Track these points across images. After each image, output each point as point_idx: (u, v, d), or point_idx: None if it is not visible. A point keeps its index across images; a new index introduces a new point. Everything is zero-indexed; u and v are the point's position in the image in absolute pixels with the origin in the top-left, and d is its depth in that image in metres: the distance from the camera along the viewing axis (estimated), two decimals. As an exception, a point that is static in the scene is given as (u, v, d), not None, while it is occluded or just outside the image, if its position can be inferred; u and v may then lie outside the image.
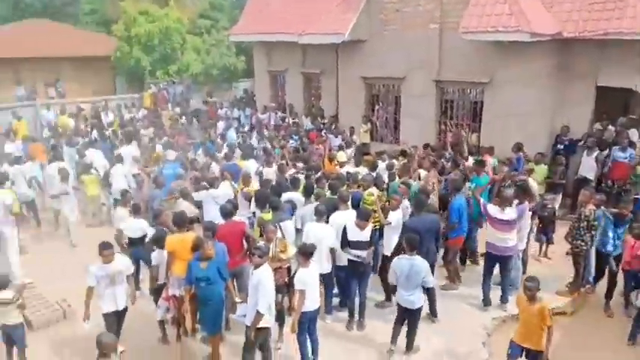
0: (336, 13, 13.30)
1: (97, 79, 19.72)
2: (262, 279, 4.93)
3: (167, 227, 6.63)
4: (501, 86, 10.89)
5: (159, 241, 6.17)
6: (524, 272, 7.18)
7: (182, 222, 6.16)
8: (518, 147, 9.71)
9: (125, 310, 5.79)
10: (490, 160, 9.27)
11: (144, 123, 14.96)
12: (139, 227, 7.17)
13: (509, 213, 6.48)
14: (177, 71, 18.53)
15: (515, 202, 6.70)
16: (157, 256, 6.20)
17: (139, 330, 6.33)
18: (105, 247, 5.48)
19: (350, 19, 12.77)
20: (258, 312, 4.92)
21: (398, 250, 6.15)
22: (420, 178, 8.52)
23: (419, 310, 5.69)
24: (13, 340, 5.62)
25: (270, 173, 9.12)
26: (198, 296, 5.58)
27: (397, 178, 8.26)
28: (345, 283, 6.47)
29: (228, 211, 6.54)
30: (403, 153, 10.19)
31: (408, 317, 5.74)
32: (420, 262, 5.49)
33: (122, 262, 5.69)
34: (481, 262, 7.36)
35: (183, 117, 15.76)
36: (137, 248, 7.10)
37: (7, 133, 12.67)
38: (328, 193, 7.34)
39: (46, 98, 17.93)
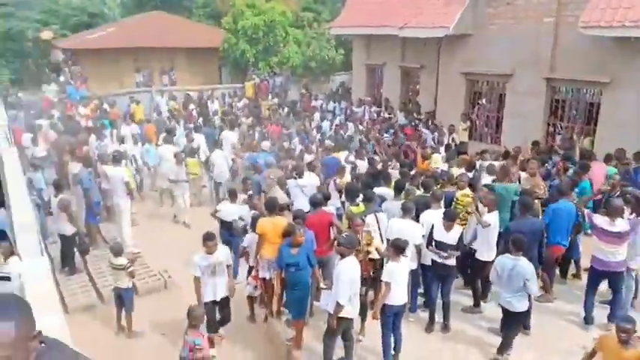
0: (440, 6, 12.88)
1: (206, 69, 21.01)
2: (342, 270, 4.96)
3: (259, 211, 6.96)
4: (623, 88, 9.82)
5: (253, 225, 6.48)
6: (635, 296, 6.45)
7: (273, 207, 6.41)
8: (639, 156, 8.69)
9: (225, 300, 5.86)
10: (605, 170, 8.38)
11: (244, 112, 15.72)
12: (233, 211, 7.54)
13: (621, 225, 5.84)
14: (278, 63, 19.15)
15: (628, 214, 6.04)
16: (250, 238, 6.52)
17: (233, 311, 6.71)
18: (209, 238, 5.48)
19: (455, 13, 12.29)
20: (337, 303, 4.96)
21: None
22: (519, 182, 7.97)
23: (521, 314, 5.37)
24: (123, 302, 6.25)
25: (362, 166, 9.13)
26: (287, 281, 5.75)
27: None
28: (428, 284, 6.32)
29: (317, 200, 6.66)
30: (506, 154, 9.59)
31: (505, 319, 5.48)
32: (524, 264, 5.17)
33: (223, 253, 5.73)
34: (584, 276, 6.74)
35: (281, 108, 16.28)
36: (228, 231, 7.51)
37: (124, 116, 13.96)
38: (420, 191, 7.18)
39: (160, 85, 19.51)
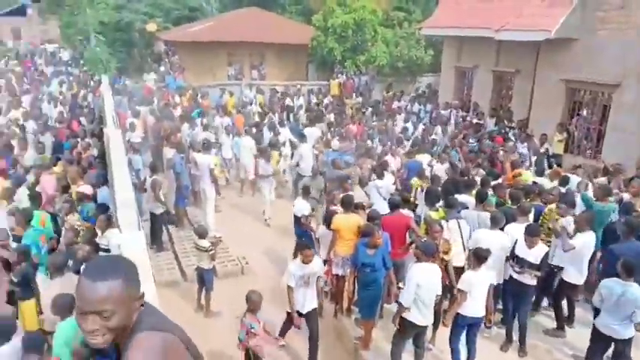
0: (542, 8, 12.12)
1: (293, 65, 21.49)
2: (414, 274, 4.88)
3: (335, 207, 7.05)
4: None
5: (327, 220, 6.56)
6: None
7: (349, 204, 6.49)
8: None
9: (313, 312, 5.58)
10: None
11: (328, 109, 15.90)
12: (304, 207, 7.69)
13: None
14: (365, 62, 19.10)
15: None
16: (322, 232, 6.60)
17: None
18: (306, 247, 5.32)
19: (559, 15, 11.50)
20: (400, 304, 4.91)
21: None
22: (621, 203, 7.30)
23: (628, 340, 4.97)
24: (204, 282, 6.61)
25: (441, 170, 8.90)
26: (361, 280, 5.75)
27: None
28: (505, 301, 6.02)
29: (396, 203, 6.61)
30: (605, 171, 8.84)
31: (611, 346, 5.10)
32: (636, 290, 4.76)
33: (318, 264, 5.50)
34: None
35: (365, 107, 16.25)
36: (299, 226, 7.67)
37: (217, 108, 14.68)
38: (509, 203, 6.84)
39: (250, 79, 20.27)
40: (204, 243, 6.51)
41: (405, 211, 6.78)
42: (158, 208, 8.30)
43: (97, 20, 20.42)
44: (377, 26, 19.38)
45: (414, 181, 8.34)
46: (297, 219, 7.79)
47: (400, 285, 5.68)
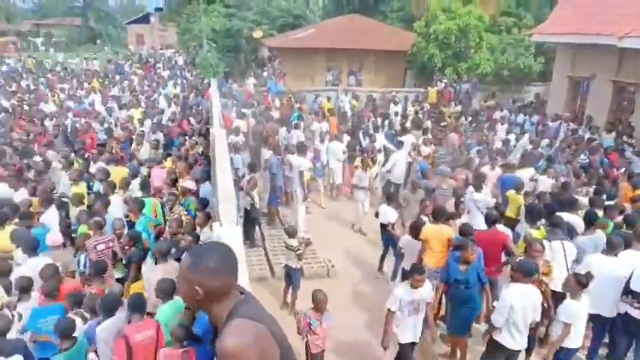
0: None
1: (391, 71, 21.34)
2: (509, 294, 4.62)
3: (427, 216, 6.91)
4: None
5: (414, 230, 6.42)
6: None
7: (440, 215, 6.36)
8: None
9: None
10: None
11: (424, 117, 15.55)
12: (390, 215, 7.62)
13: None
14: (467, 69, 18.38)
15: None
16: (406, 241, 6.53)
17: (378, 307, 6.79)
18: (418, 271, 4.89)
19: (698, 20, 10.17)
20: (491, 324, 4.67)
21: None
22: None
23: None
24: (291, 280, 6.80)
25: (547, 186, 8.27)
26: (455, 297, 5.52)
27: None
28: (614, 336, 5.41)
29: (493, 218, 6.30)
30: None
31: None
32: None
33: (428, 289, 5.07)
34: None
35: (464, 116, 15.64)
36: (386, 234, 7.66)
37: (315, 113, 15.01)
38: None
39: (346, 85, 20.49)
40: (293, 242, 6.69)
41: (502, 228, 6.43)
42: (248, 204, 8.69)
43: (209, 27, 21.99)
44: (482, 32, 18.57)
45: (510, 194, 7.85)
46: (383, 226, 7.73)
47: (493, 304, 5.39)
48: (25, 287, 4.89)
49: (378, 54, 20.79)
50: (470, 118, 15.15)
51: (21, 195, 7.43)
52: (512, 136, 12.34)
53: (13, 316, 4.72)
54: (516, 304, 4.58)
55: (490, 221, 6.23)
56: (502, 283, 5.64)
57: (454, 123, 14.64)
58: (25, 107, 15.57)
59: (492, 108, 16.16)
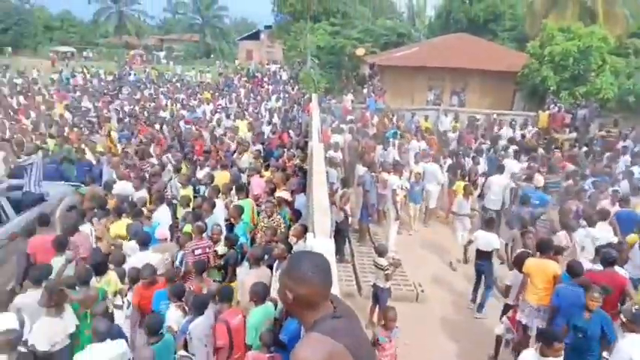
0: None
1: (498, 92, 20.33)
2: (624, 346, 4.10)
3: (529, 248, 6.44)
4: None
5: (518, 262, 6.02)
6: None
7: (547, 248, 5.91)
8: None
9: None
10: None
11: (532, 142, 14.48)
12: (488, 241, 7.16)
13: None
14: (586, 93, 16.89)
15: None
16: (513, 275, 6.17)
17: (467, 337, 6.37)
18: (556, 339, 4.26)
19: None
20: None
21: None
22: None
23: None
24: (378, 300, 6.64)
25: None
26: (570, 344, 4.96)
27: None
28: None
29: (612, 259, 5.63)
30: None
31: None
32: None
33: None
34: None
35: (579, 143, 14.35)
36: (483, 261, 7.22)
37: (415, 132, 14.70)
38: None
39: (448, 105, 19.88)
40: (383, 261, 6.54)
41: (621, 270, 5.74)
42: (340, 219, 8.67)
43: (314, 44, 22.75)
44: (606, 54, 17.02)
45: (630, 238, 6.98)
46: (480, 253, 7.27)
47: (604, 355, 4.81)
48: (134, 278, 5.33)
49: (484, 74, 19.99)
50: (585, 146, 13.85)
51: (140, 194, 8.20)
52: (636, 169, 11.06)
53: (122, 302, 5.16)
54: (636, 357, 4.05)
55: (608, 261, 5.60)
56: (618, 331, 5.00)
57: (569, 151, 13.48)
58: (145, 114, 17.22)
59: (616, 137, 14.63)
